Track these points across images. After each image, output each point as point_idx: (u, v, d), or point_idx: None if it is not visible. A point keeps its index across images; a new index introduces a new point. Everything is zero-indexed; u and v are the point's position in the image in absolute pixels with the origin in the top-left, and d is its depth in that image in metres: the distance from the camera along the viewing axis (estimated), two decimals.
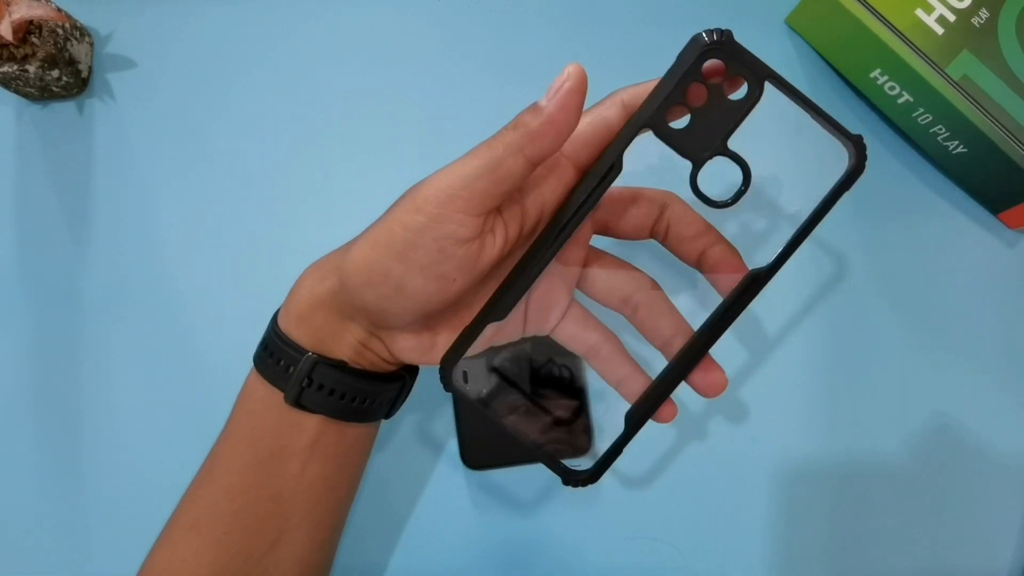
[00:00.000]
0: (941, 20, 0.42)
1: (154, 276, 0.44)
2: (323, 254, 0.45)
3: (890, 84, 0.44)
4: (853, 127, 0.46)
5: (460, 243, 0.26)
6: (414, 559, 0.42)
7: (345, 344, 0.31)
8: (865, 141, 0.26)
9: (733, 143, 0.26)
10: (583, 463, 0.32)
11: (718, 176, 0.26)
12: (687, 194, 0.27)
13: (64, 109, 0.46)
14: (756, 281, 0.28)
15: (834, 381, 0.44)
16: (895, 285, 0.45)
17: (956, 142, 0.43)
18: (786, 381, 0.44)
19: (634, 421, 0.30)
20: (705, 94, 0.25)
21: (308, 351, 0.30)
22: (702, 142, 0.26)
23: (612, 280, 0.32)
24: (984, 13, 0.42)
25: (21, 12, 0.40)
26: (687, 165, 0.26)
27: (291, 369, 0.30)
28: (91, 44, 0.46)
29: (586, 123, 0.27)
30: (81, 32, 0.45)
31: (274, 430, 0.32)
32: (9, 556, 0.42)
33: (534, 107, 0.25)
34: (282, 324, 0.31)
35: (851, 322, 0.45)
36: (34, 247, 0.44)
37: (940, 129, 0.43)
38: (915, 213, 0.46)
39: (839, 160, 0.27)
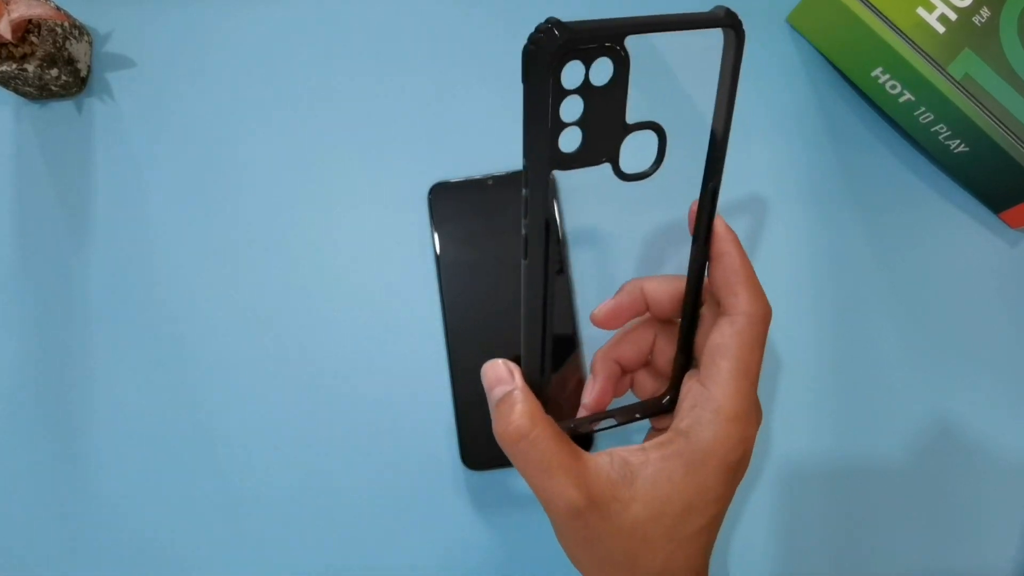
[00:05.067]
0: (942, 19, 0.42)
1: (153, 275, 0.44)
2: (323, 253, 0.45)
3: (891, 83, 0.44)
4: (854, 126, 0.47)
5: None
6: (414, 559, 0.42)
7: None
8: (731, 10, 0.25)
9: (631, 115, 0.25)
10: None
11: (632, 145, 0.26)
12: (616, 187, 0.27)
13: (63, 108, 0.46)
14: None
15: (834, 380, 0.44)
16: (895, 284, 0.45)
17: (957, 141, 0.43)
18: (786, 381, 0.44)
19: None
20: (579, 99, 0.23)
21: None
22: (604, 141, 0.25)
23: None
24: (985, 12, 0.42)
25: (20, 11, 0.39)
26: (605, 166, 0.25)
27: None
28: (90, 43, 0.46)
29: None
30: (80, 31, 0.45)
31: None
32: (7, 556, 0.42)
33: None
34: None
35: (851, 321, 0.45)
36: (33, 246, 0.44)
37: (941, 128, 0.43)
38: (916, 212, 0.46)
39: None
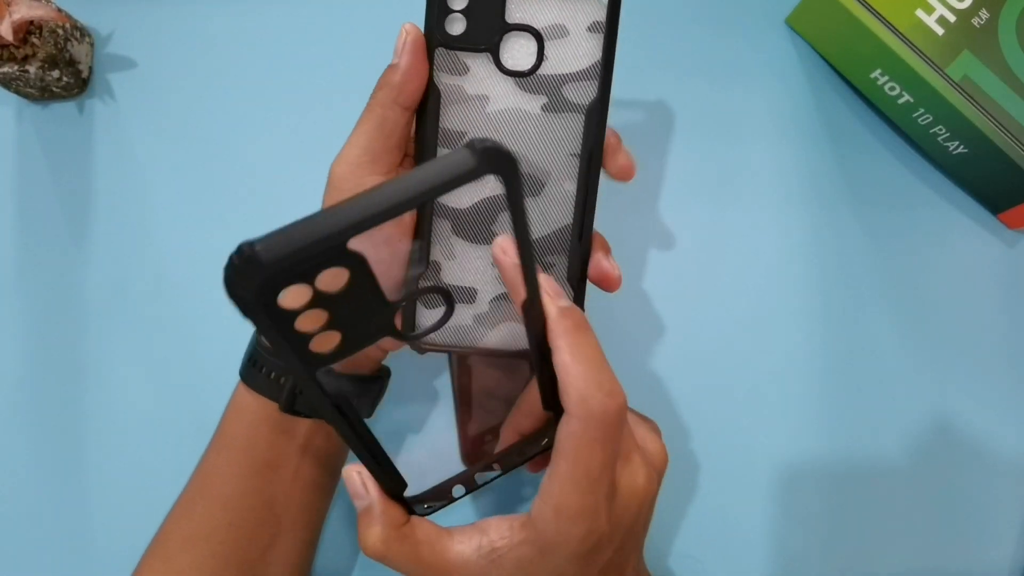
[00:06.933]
0: (941, 20, 0.42)
1: (154, 275, 0.44)
2: None
3: (890, 84, 0.44)
4: (853, 127, 0.47)
5: None
6: None
7: None
8: (489, 147, 0.20)
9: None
10: None
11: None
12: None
13: (64, 109, 0.46)
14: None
15: (834, 381, 0.44)
16: (895, 285, 0.45)
17: (956, 142, 0.43)
18: (786, 381, 0.44)
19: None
20: (317, 309, 0.20)
21: None
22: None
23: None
24: (984, 14, 0.42)
25: (22, 13, 0.40)
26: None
27: (282, 380, 0.32)
28: (91, 44, 0.46)
29: None
30: (81, 32, 0.45)
31: (268, 438, 0.33)
32: (8, 555, 0.42)
33: (392, 66, 0.29)
34: None
35: (851, 322, 0.45)
36: (34, 247, 0.44)
37: (940, 130, 0.43)
38: (915, 213, 0.46)
39: None
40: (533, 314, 0.26)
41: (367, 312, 0.21)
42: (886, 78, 0.44)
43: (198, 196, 0.45)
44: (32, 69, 0.41)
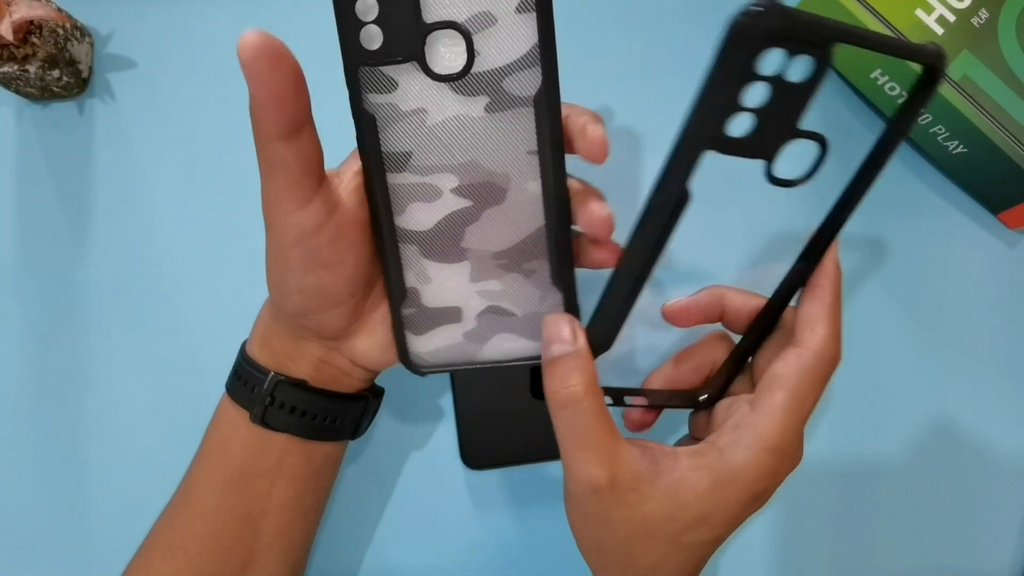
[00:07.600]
0: (941, 20, 0.42)
1: (154, 275, 0.44)
2: None
3: (890, 84, 0.44)
4: (853, 127, 0.47)
5: (315, 232, 0.27)
6: (414, 559, 0.42)
7: (305, 363, 0.32)
8: (943, 50, 0.24)
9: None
10: None
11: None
12: (763, 188, 0.25)
13: (64, 109, 0.46)
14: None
15: (834, 381, 0.44)
16: (895, 285, 0.45)
17: (956, 142, 0.43)
18: None
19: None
20: (766, 89, 0.22)
21: (271, 371, 0.32)
22: (772, 137, 0.23)
23: None
24: (984, 13, 0.42)
25: (22, 12, 0.40)
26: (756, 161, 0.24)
27: (256, 390, 0.32)
28: (91, 44, 0.46)
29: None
30: (81, 32, 0.45)
31: (243, 450, 0.33)
32: (8, 554, 0.42)
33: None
34: (248, 349, 0.33)
35: (850, 322, 0.44)
36: (34, 247, 0.44)
37: (940, 129, 0.43)
38: (915, 213, 0.46)
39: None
40: (813, 255, 0.30)
41: (783, 122, 0.23)
42: (886, 78, 0.44)
43: (198, 196, 0.45)
44: (32, 69, 0.41)
